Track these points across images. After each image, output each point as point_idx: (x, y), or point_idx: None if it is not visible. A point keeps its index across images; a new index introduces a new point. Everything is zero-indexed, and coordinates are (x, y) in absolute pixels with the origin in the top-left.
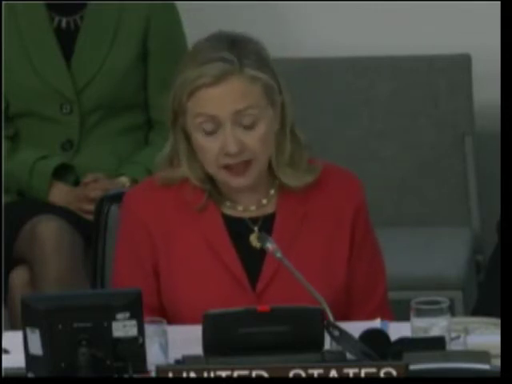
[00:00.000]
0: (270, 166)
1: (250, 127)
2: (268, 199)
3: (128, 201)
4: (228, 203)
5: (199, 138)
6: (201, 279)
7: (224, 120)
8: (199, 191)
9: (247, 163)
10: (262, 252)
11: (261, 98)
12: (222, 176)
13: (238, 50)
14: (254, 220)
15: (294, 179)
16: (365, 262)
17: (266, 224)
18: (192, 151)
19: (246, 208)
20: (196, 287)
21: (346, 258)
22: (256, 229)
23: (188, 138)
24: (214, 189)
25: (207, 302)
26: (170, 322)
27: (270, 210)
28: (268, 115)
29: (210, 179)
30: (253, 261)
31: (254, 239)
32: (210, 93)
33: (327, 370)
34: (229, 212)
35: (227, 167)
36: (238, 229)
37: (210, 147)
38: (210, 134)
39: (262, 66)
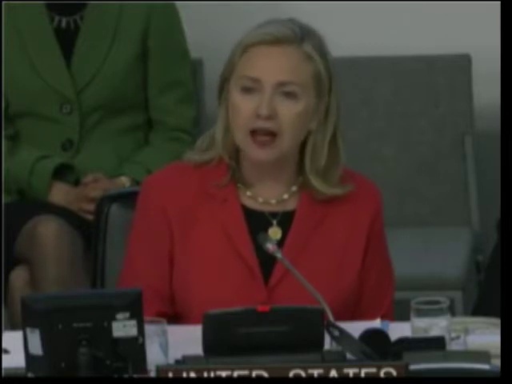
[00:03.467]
0: (298, 164)
1: (289, 97)
2: (289, 195)
3: (148, 186)
4: (249, 193)
5: (236, 97)
6: (215, 268)
7: (266, 85)
8: (223, 168)
9: (272, 137)
10: (279, 246)
11: (308, 80)
12: (247, 144)
13: (305, 31)
14: (274, 214)
15: (323, 187)
16: (375, 271)
17: (285, 220)
18: (229, 126)
19: (267, 201)
20: (210, 276)
21: (358, 264)
22: (275, 223)
23: (228, 113)
24: (238, 168)
25: (219, 291)
26: (178, 311)
27: (290, 206)
28: (310, 100)
29: (237, 158)
30: (268, 255)
31: (271, 233)
32: (263, 53)
33: (327, 369)
34: (249, 204)
35: (254, 134)
36: (256, 221)
37: (244, 107)
38: (248, 91)
39: (321, 54)
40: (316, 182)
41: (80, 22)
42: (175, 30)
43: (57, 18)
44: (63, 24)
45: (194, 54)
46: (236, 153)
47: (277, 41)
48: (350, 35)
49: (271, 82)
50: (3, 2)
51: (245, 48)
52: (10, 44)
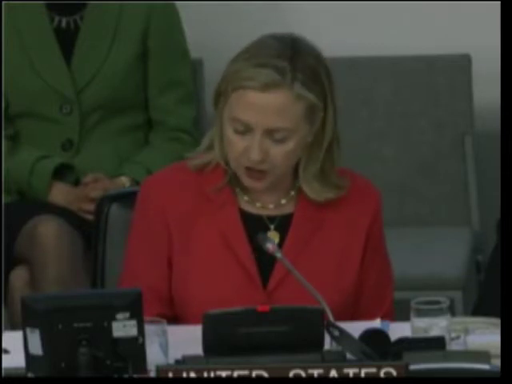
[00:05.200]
0: (296, 170)
1: (279, 142)
2: (287, 199)
3: (147, 187)
4: (246, 198)
5: (229, 133)
6: (213, 272)
7: (256, 130)
8: (220, 172)
9: (264, 172)
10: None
11: (299, 118)
12: (240, 174)
13: (295, 62)
14: (272, 218)
15: (315, 193)
16: (375, 271)
17: (283, 223)
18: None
19: (265, 205)
20: (208, 280)
21: (357, 264)
22: (272, 227)
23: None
24: (235, 173)
25: (217, 295)
26: (176, 314)
27: (288, 210)
28: (301, 132)
29: None
30: (267, 258)
31: (270, 237)
32: (253, 98)
33: (327, 369)
34: (246, 208)
35: (247, 168)
36: (254, 225)
37: (236, 144)
38: (239, 133)
39: (314, 82)
40: (307, 189)
41: (80, 22)
42: (175, 30)
43: (57, 18)
44: (63, 24)
45: (194, 53)
46: None
47: (266, 87)
48: (350, 35)
49: (261, 128)
50: (3, 2)
51: (235, 87)
52: (10, 44)
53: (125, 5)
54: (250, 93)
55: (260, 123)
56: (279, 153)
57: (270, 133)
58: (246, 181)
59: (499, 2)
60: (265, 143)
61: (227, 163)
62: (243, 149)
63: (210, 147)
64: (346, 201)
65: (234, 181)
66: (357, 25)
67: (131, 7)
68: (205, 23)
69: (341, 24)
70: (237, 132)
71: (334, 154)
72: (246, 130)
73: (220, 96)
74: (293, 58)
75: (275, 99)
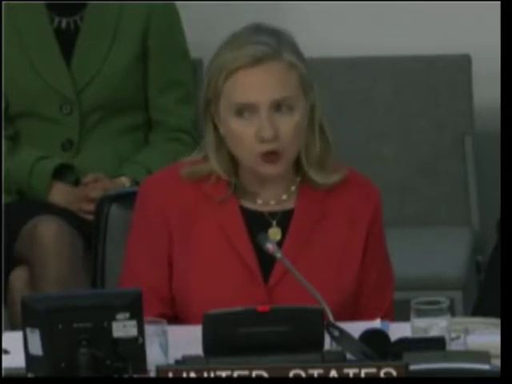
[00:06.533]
0: (295, 162)
1: (286, 113)
2: (288, 195)
3: (147, 187)
4: (248, 196)
5: (233, 123)
6: (214, 271)
7: (261, 107)
8: (222, 184)
9: (278, 154)
10: (278, 246)
11: (297, 88)
12: (256, 163)
13: (276, 37)
14: (273, 214)
15: (322, 177)
16: (375, 270)
17: (284, 219)
18: (220, 142)
19: (266, 202)
20: (208, 279)
21: (357, 264)
22: (274, 223)
23: (216, 129)
24: (238, 181)
25: (218, 295)
26: (178, 313)
27: (289, 205)
28: (303, 106)
29: (235, 171)
30: (268, 254)
31: (271, 233)
32: (248, 75)
33: (327, 369)
34: (248, 205)
35: (261, 155)
36: (255, 222)
37: (244, 132)
38: (243, 116)
39: (298, 55)
40: (315, 175)
41: (80, 22)
42: (175, 30)
43: (57, 19)
44: (63, 24)
45: (194, 53)
46: (232, 165)
47: (258, 61)
48: (350, 35)
49: (266, 102)
50: (3, 2)
51: (227, 74)
52: (10, 44)
53: (125, 5)
54: (243, 72)
55: (263, 98)
56: (288, 127)
57: (275, 105)
58: (263, 168)
59: (499, 2)
60: (273, 118)
61: (226, 171)
62: (254, 134)
63: (206, 159)
64: (347, 195)
65: (238, 184)
66: (357, 25)
67: (131, 7)
68: (205, 23)
69: (341, 24)
70: (241, 118)
71: (327, 135)
72: (250, 112)
73: (209, 104)
74: (272, 34)
75: (270, 71)
